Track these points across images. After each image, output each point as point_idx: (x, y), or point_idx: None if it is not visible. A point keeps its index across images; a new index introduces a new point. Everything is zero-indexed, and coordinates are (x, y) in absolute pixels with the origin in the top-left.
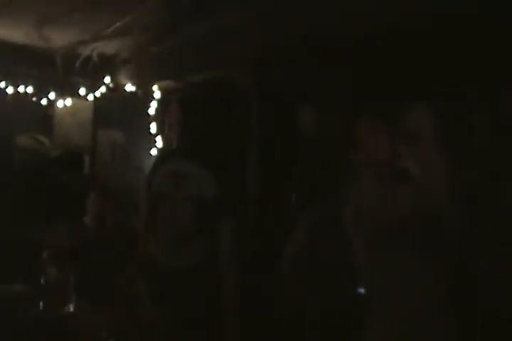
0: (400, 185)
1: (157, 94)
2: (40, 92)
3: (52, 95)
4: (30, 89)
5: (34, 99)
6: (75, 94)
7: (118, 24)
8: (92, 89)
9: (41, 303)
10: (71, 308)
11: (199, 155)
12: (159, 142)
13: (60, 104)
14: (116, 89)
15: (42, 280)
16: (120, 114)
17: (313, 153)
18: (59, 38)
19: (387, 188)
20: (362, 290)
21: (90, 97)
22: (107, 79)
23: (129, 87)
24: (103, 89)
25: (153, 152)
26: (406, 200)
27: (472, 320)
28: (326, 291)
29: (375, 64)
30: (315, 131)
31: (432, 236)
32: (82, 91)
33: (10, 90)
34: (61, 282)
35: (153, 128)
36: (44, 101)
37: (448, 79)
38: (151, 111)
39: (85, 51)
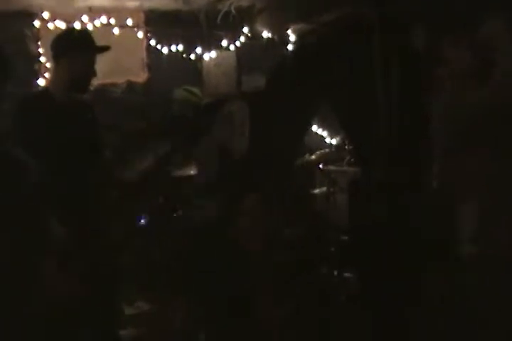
0: (480, 87)
1: (292, 38)
2: (189, 49)
3: (199, 50)
4: (180, 47)
5: (184, 55)
6: (218, 47)
7: None
8: (233, 40)
9: None
10: None
11: None
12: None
13: (206, 57)
14: (255, 37)
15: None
16: (260, 60)
17: None
18: None
19: (470, 89)
20: None
21: (232, 48)
22: (246, 29)
23: (266, 34)
24: (242, 38)
25: None
26: (485, 100)
27: None
28: None
29: None
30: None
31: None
32: (224, 43)
33: (165, 50)
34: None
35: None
36: (193, 56)
37: None
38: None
39: (224, 7)
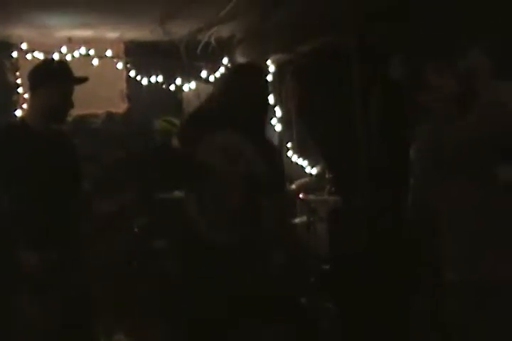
0: (464, 116)
1: (271, 68)
2: (169, 79)
3: (179, 81)
4: (160, 78)
5: (164, 86)
6: (198, 78)
7: (227, 8)
8: (212, 70)
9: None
10: None
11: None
12: (278, 112)
13: (186, 88)
14: None
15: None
16: None
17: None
18: (179, 30)
19: (453, 119)
20: None
21: (212, 79)
22: (225, 60)
23: None
24: (222, 69)
25: (273, 122)
26: (470, 129)
27: None
28: None
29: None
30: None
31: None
32: (203, 74)
33: (144, 81)
34: None
35: (271, 99)
36: (172, 87)
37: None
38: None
39: (204, 38)
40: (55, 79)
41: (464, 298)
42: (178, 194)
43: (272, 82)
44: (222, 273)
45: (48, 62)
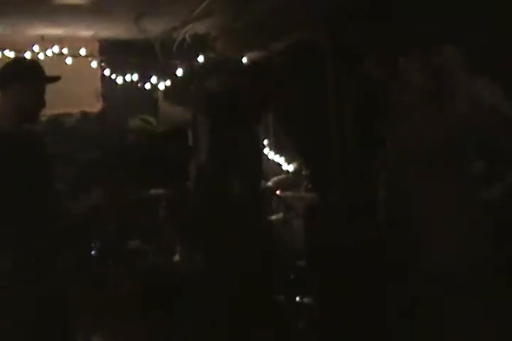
0: (440, 114)
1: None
2: (144, 78)
3: (154, 79)
4: (135, 77)
5: (139, 84)
6: (173, 76)
7: (202, 6)
8: (188, 69)
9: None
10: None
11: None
12: None
13: (161, 86)
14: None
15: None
16: None
17: None
18: (154, 28)
19: (429, 117)
20: None
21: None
22: (201, 58)
23: None
24: (197, 67)
25: None
26: (446, 126)
27: None
28: None
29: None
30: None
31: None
32: (179, 72)
33: (119, 80)
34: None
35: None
36: (148, 86)
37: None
38: None
39: (179, 35)
40: (25, 77)
41: (440, 288)
42: (153, 193)
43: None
44: None
45: (19, 60)
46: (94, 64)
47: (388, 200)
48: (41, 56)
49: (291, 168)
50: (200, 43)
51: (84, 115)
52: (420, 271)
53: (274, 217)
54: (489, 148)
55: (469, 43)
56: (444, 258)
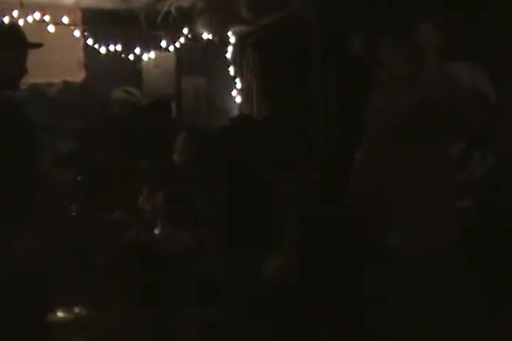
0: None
1: (232, 40)
2: (128, 49)
3: (138, 50)
4: (119, 47)
5: (123, 55)
6: (157, 47)
7: None
8: (172, 40)
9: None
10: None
11: None
12: (238, 84)
13: (145, 57)
14: (195, 38)
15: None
16: (200, 61)
17: None
18: None
19: (402, 92)
20: None
21: (171, 48)
22: (186, 30)
23: (206, 36)
24: (182, 39)
25: (234, 93)
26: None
27: None
28: None
29: None
30: None
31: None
32: (163, 43)
33: (103, 50)
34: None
35: (231, 71)
36: (131, 57)
37: None
38: (229, 55)
39: (164, 7)
40: (5, 44)
41: (407, 264)
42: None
43: (232, 53)
44: None
45: None
46: (76, 33)
47: (362, 160)
48: (21, 23)
49: None
50: (185, 16)
51: (67, 85)
52: (392, 249)
53: None
54: (469, 131)
55: (447, 22)
56: (417, 237)
